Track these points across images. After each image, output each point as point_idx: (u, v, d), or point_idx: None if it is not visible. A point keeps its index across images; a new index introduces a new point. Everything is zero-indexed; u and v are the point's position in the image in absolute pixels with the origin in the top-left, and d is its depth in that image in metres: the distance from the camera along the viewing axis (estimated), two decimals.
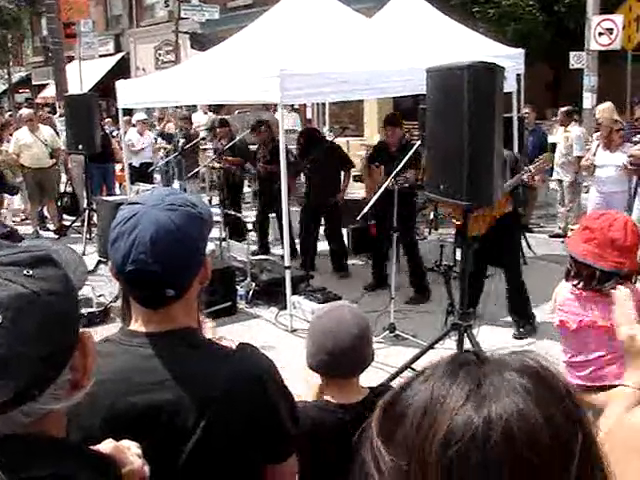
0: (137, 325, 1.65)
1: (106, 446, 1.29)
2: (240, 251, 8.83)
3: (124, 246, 1.55)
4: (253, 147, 10.63)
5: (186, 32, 20.96)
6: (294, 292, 7.43)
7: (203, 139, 12.62)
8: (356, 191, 11.09)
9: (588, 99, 14.08)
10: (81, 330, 1.11)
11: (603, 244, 2.86)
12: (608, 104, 10.60)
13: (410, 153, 6.83)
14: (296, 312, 7.27)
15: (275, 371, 1.68)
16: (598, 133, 9.80)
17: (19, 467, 1.00)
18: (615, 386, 2.77)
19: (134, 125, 13.58)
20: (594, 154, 9.25)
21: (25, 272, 1.03)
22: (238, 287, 8.01)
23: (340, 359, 2.23)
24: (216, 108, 15.75)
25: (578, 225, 3.24)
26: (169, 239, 1.56)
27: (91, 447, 1.24)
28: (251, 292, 8.04)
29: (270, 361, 1.71)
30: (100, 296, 7.67)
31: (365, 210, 6.62)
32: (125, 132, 11.62)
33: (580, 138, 10.65)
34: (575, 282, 2.97)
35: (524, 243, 8.89)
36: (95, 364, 1.14)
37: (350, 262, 9.57)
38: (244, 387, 1.59)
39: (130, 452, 1.30)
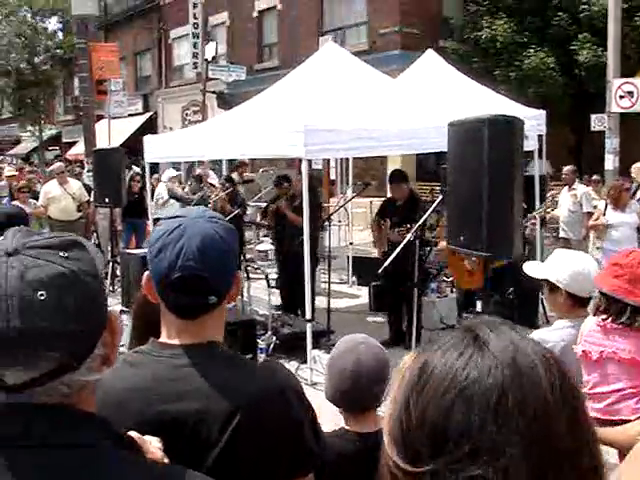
0: (168, 337, 1.69)
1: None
2: (262, 305, 8.85)
3: (170, 255, 1.61)
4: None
5: (213, 92, 21.41)
6: (315, 346, 7.42)
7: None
8: (375, 250, 11.16)
9: (610, 160, 14.15)
10: (109, 310, 1.19)
11: (633, 280, 2.90)
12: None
13: (433, 207, 6.90)
14: (316, 366, 7.23)
15: (299, 387, 1.72)
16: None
17: (60, 434, 1.10)
18: (629, 421, 2.76)
19: (160, 180, 13.86)
20: (604, 214, 9.33)
21: (61, 254, 1.11)
22: (259, 340, 8.00)
23: (357, 396, 2.27)
24: (234, 166, 16.00)
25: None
26: (215, 248, 1.63)
27: None
28: (272, 346, 8.03)
29: (295, 377, 1.75)
30: (122, 346, 7.67)
31: (386, 263, 6.65)
32: (152, 187, 11.82)
33: (589, 195, 10.76)
34: (604, 317, 2.98)
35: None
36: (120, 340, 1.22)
37: (370, 319, 9.56)
38: (269, 400, 1.62)
39: (152, 445, 1.35)
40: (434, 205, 6.94)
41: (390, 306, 8.54)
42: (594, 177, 13.13)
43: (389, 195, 9.19)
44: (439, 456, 0.88)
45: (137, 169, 14.56)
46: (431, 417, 0.90)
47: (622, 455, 2.94)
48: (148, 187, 11.26)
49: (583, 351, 3.12)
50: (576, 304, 3.39)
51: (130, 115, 24.98)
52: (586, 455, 0.91)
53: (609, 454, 3.10)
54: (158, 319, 1.73)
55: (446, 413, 0.89)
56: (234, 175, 14.49)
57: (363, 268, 11.09)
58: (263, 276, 9.13)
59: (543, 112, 8.88)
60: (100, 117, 19.71)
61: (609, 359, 3.01)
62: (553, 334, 3.49)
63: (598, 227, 9.52)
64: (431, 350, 0.97)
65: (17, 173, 16.60)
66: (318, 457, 1.69)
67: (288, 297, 9.47)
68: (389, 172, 18.47)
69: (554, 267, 3.45)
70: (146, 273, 1.69)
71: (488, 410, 0.87)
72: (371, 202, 17.84)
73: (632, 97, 13.80)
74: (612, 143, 14.28)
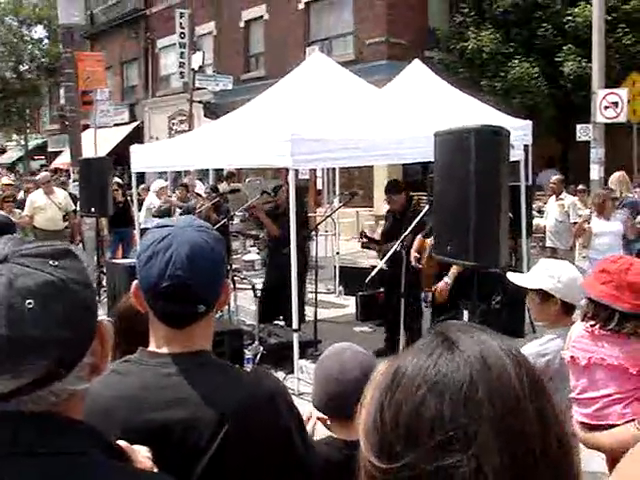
0: (157, 346, 1.69)
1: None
2: (248, 315, 8.82)
3: (159, 263, 1.61)
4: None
5: (200, 101, 21.39)
6: (302, 356, 7.40)
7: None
8: (365, 260, 11.19)
9: (595, 170, 14.26)
10: (99, 319, 1.19)
11: (620, 287, 2.92)
12: (617, 174, 10.76)
13: (417, 220, 6.89)
14: (303, 376, 7.22)
15: (287, 393, 1.72)
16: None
17: (47, 441, 1.11)
18: (616, 426, 2.76)
19: (148, 189, 13.85)
20: (588, 222, 9.40)
21: (50, 262, 1.12)
22: (246, 350, 7.97)
23: (343, 403, 2.26)
24: (225, 177, 15.97)
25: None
26: (204, 257, 1.63)
27: None
28: (258, 356, 8.00)
29: (282, 384, 1.75)
30: None
31: (372, 274, 6.64)
32: (139, 196, 11.79)
33: (575, 205, 10.83)
34: (592, 323, 3.00)
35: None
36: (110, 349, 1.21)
37: (357, 329, 9.56)
38: (257, 407, 1.63)
39: (140, 454, 1.35)
40: (420, 215, 6.94)
41: (383, 317, 8.55)
42: (579, 187, 13.21)
43: (386, 209, 9.19)
44: (413, 449, 0.91)
45: (116, 179, 14.54)
46: (404, 414, 0.93)
47: (610, 459, 2.96)
48: (135, 196, 11.22)
49: (571, 356, 3.14)
50: (565, 313, 3.42)
51: (116, 125, 24.93)
52: (554, 440, 0.94)
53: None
54: (139, 324, 1.72)
55: (418, 408, 0.92)
56: (223, 185, 14.50)
57: (350, 278, 11.09)
58: (249, 286, 9.11)
59: (529, 122, 8.92)
60: (86, 126, 19.66)
61: (597, 365, 3.02)
62: (549, 345, 3.49)
63: (584, 231, 9.55)
64: (403, 356, 1.00)
65: (13, 182, 16.60)
66: (307, 464, 1.69)
67: (265, 306, 9.38)
68: (375, 182, 18.71)
69: (546, 276, 3.44)
70: (135, 282, 1.68)
71: (459, 402, 0.91)
72: (357, 212, 17.92)
73: (617, 107, 13.94)
74: (597, 153, 14.40)
